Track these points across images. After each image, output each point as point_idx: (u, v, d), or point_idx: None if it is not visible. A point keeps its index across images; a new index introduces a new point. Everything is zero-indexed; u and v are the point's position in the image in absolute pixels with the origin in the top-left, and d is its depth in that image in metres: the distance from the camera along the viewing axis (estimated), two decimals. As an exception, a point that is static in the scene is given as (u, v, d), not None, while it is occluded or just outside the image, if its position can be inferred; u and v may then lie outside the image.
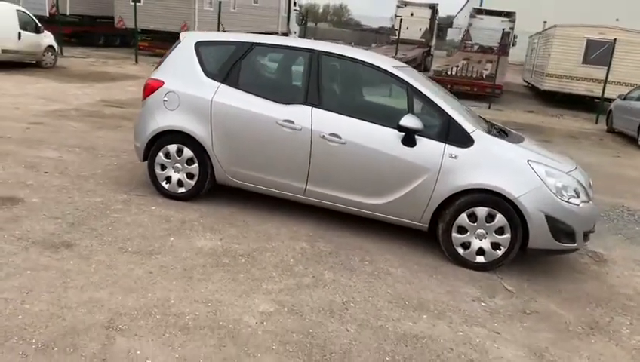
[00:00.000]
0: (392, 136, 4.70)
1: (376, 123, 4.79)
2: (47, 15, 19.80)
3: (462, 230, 4.68)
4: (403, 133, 4.66)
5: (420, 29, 30.82)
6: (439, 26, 38.90)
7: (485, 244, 4.66)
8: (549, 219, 4.52)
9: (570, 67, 19.31)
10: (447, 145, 4.65)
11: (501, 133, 5.30)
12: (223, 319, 3.45)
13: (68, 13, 21.89)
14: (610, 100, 15.80)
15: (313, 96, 4.95)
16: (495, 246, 4.65)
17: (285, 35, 29.39)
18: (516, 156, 4.65)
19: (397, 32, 30.65)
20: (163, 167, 5.38)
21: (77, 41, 23.43)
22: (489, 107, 17.60)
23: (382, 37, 53.56)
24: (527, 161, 4.60)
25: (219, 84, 5.15)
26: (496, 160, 4.62)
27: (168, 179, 5.39)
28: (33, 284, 3.54)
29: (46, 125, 8.33)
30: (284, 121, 4.92)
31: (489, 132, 5.05)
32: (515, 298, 4.36)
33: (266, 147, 5.03)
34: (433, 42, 32.45)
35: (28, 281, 3.57)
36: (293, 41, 5.47)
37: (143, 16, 20.57)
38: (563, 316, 4.17)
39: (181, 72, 5.31)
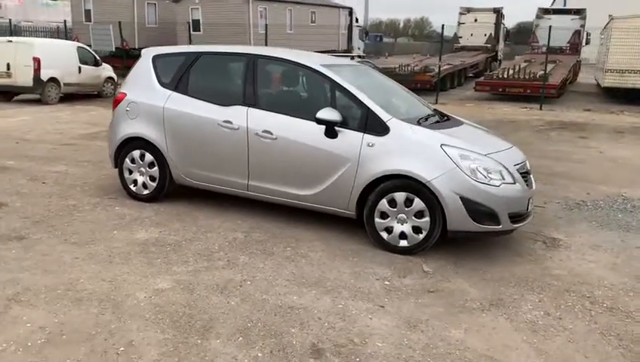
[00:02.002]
0: (317, 129, 4.96)
1: (303, 118, 5.07)
2: (114, 50, 21.65)
3: (384, 215, 4.83)
4: (324, 126, 4.91)
5: (485, 35, 30.28)
6: (510, 29, 37.89)
7: (406, 228, 4.78)
8: (465, 201, 4.58)
9: (631, 60, 18.26)
10: (365, 134, 4.85)
11: (440, 120, 5.44)
12: (117, 294, 3.87)
13: (137, 47, 23.71)
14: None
15: (249, 97, 5.34)
16: (416, 229, 4.76)
17: (347, 52, 29.96)
18: (429, 141, 4.76)
19: (459, 39, 30.51)
20: (130, 172, 5.95)
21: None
22: (540, 108, 17.05)
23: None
24: (441, 145, 4.70)
25: (170, 91, 5.67)
26: (410, 146, 4.76)
27: (135, 183, 5.95)
28: (-33, 267, 4.17)
29: (75, 145, 9.28)
30: (224, 121, 5.33)
31: (425, 119, 5.22)
32: (428, 278, 4.45)
33: (211, 147, 5.46)
34: (500, 47, 31.70)
35: (-36, 265, 4.20)
36: (236, 48, 5.90)
37: (202, 44, 21.84)
38: (469, 294, 4.21)
39: (140, 83, 5.89)
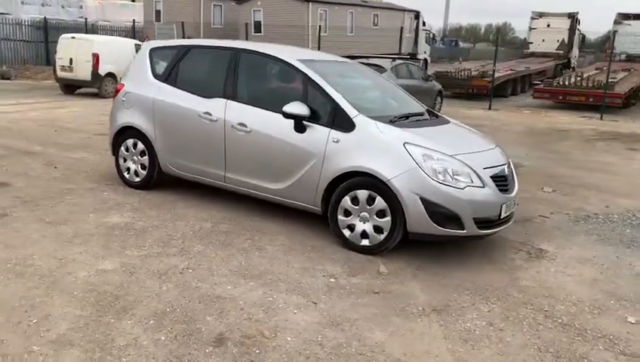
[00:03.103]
0: (288, 123, 4.93)
1: (276, 111, 5.04)
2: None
3: (347, 213, 4.74)
4: (293, 120, 4.88)
5: (557, 41, 28.97)
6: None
7: (368, 227, 4.66)
8: (425, 202, 4.41)
9: None
10: (332, 130, 4.79)
11: (422, 119, 5.30)
12: (60, 272, 4.01)
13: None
14: None
15: (229, 89, 5.40)
16: (377, 229, 4.63)
17: (413, 55, 29.51)
18: (394, 139, 4.61)
19: (529, 45, 29.37)
20: (125, 160, 6.16)
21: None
22: (601, 117, 16.08)
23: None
24: (404, 143, 4.55)
25: (161, 83, 5.82)
26: (374, 143, 4.64)
27: (128, 170, 6.15)
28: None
29: (107, 135, 9.70)
30: (204, 113, 5.42)
31: (405, 118, 5.11)
32: (380, 279, 4.32)
33: (193, 138, 5.56)
34: (574, 54, 30.20)
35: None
36: (222, 42, 5.97)
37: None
38: (417, 298, 4.05)
39: (136, 75, 6.09)
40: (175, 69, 5.82)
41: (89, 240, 4.64)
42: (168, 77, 5.82)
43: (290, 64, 5.17)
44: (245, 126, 5.17)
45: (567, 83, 18.42)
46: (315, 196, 4.90)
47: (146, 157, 5.95)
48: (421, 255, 4.79)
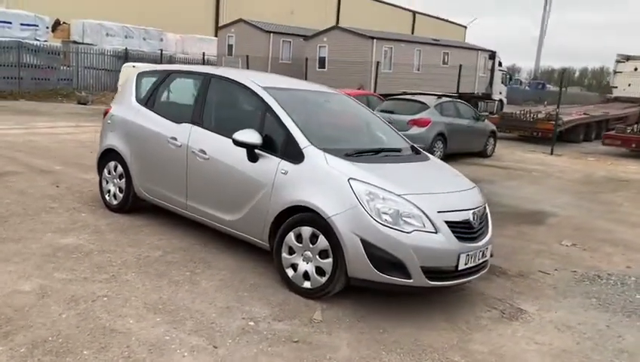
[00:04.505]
0: (242, 151, 4.70)
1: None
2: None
3: (291, 250, 4.40)
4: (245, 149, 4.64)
5: None
6: None
7: (310, 268, 4.28)
8: (366, 245, 4.00)
9: None
10: (282, 160, 4.50)
11: (392, 155, 4.92)
12: (-26, 289, 3.94)
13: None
14: None
15: (196, 115, 5.25)
16: (319, 271, 4.25)
17: (487, 96, 28.65)
18: (339, 174, 4.23)
19: (613, 90, 27.64)
20: (107, 182, 6.15)
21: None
22: (671, 168, 14.63)
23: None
24: (349, 179, 4.16)
25: (140, 107, 5.79)
26: (320, 176, 4.30)
27: (109, 193, 6.12)
28: None
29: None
30: (171, 138, 5.30)
31: (374, 153, 4.76)
32: (309, 327, 3.92)
33: (160, 163, 5.45)
34: None
35: None
36: (198, 68, 5.89)
37: (325, 80, 22.32)
38: (338, 351, 3.62)
39: (123, 98, 6.12)
40: (154, 93, 5.79)
41: (27, 259, 4.57)
42: (147, 101, 5.79)
43: (250, 90, 4.96)
44: (205, 153, 4.99)
45: (636, 131, 16.97)
46: (263, 230, 4.59)
47: (124, 180, 5.89)
48: (373, 304, 4.33)
